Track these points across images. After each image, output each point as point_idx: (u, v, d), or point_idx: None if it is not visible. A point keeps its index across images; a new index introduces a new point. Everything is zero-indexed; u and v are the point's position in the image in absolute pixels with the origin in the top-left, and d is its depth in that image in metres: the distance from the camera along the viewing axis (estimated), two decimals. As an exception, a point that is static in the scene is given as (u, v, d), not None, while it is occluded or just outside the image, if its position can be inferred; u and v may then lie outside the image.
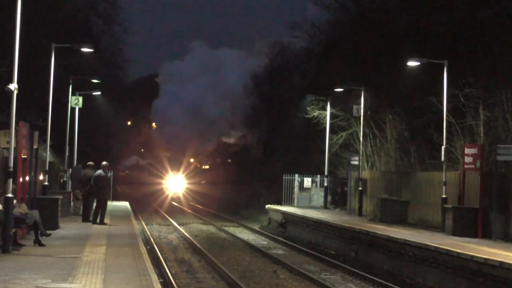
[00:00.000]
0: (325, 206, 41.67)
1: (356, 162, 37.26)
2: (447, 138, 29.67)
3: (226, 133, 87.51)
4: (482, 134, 29.80)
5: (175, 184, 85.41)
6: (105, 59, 53.26)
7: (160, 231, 37.45)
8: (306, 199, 43.76)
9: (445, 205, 27.13)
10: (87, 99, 41.94)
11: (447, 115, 29.49)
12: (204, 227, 40.81)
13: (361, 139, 38.54)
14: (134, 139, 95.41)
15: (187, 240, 32.86)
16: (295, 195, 44.02)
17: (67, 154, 38.07)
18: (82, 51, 32.93)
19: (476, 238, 24.69)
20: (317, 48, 55.25)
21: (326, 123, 41.93)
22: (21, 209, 19.31)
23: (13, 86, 17.73)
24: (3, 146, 20.00)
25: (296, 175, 44.12)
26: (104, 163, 28.17)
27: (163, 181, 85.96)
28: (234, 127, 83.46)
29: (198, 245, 29.56)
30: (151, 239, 31.40)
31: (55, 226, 24.40)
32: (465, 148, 26.54)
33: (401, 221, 30.80)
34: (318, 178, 44.03)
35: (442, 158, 28.94)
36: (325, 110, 42.05)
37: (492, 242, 23.55)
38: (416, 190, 31.96)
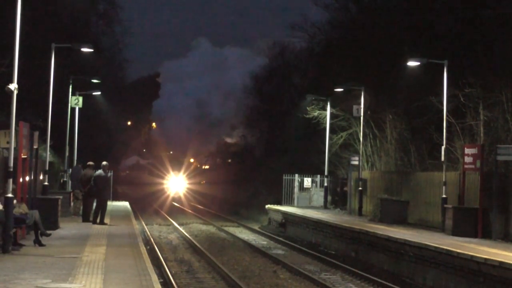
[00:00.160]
0: (325, 206, 41.67)
1: (356, 162, 37.25)
2: (447, 138, 29.66)
3: (227, 133, 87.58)
4: (482, 134, 29.80)
5: (176, 184, 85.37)
6: (105, 59, 53.32)
7: (160, 231, 37.45)
8: (306, 199, 43.76)
9: (445, 205, 27.12)
10: (87, 99, 41.94)
11: (447, 115, 29.49)
12: (204, 227, 40.81)
13: (361, 139, 38.54)
14: (134, 139, 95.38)
15: (187, 240, 32.86)
16: (295, 195, 44.02)
17: (67, 154, 38.08)
18: (82, 51, 32.92)
19: (476, 238, 24.69)
20: (317, 48, 55.26)
21: (326, 123, 41.93)
22: (21, 209, 19.31)
23: (13, 86, 17.73)
24: (3, 146, 20.02)
25: (296, 175, 44.11)
26: (104, 163, 28.17)
27: (164, 181, 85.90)
28: (235, 127, 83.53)
29: (198, 245, 29.56)
30: (151, 239, 31.40)
31: (55, 226, 24.39)
32: (465, 148, 26.54)
33: (401, 221, 30.80)
34: (318, 178, 44.02)
35: (442, 158, 28.94)
36: (325, 110, 42.06)
37: (492, 242, 23.55)
38: (416, 190, 31.95)
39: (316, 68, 54.13)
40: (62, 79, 36.32)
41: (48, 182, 29.78)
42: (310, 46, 57.28)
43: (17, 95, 17.89)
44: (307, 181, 43.97)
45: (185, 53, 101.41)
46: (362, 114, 37.27)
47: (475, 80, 29.18)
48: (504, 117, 28.74)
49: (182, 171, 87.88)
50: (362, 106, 37.01)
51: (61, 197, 26.78)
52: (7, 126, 18.45)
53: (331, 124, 41.82)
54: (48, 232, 20.09)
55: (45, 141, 30.71)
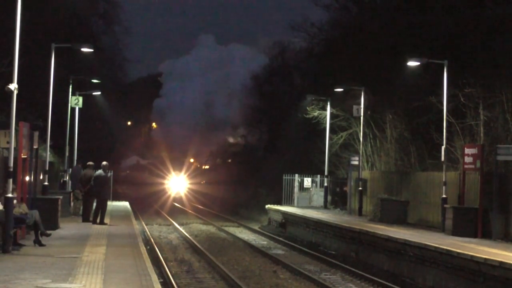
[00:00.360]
0: (325, 206, 41.68)
1: (356, 162, 37.26)
2: (447, 138, 29.66)
3: (229, 133, 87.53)
4: (482, 134, 29.80)
5: (177, 184, 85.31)
6: (105, 59, 53.28)
7: (160, 231, 37.45)
8: (306, 199, 43.75)
9: (445, 205, 27.13)
10: (87, 99, 41.93)
11: (447, 115, 29.48)
12: (204, 227, 40.82)
13: (361, 139, 38.55)
14: (134, 139, 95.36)
15: (187, 240, 32.86)
16: (295, 195, 44.01)
17: (67, 154, 38.07)
18: (82, 51, 32.94)
19: (476, 238, 24.69)
20: (317, 48, 55.26)
21: (326, 123, 41.95)
22: (21, 209, 19.32)
23: (13, 86, 17.74)
24: (3, 146, 20.00)
25: (296, 175, 44.10)
26: (104, 163, 28.17)
27: (165, 181, 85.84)
28: (236, 127, 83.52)
29: (198, 245, 29.57)
30: (151, 239, 31.41)
31: (55, 226, 24.40)
32: (465, 148, 26.55)
33: (401, 221, 30.81)
34: (318, 178, 44.02)
35: (442, 158, 28.93)
36: (325, 110, 42.07)
37: (492, 242, 23.55)
38: (416, 190, 31.96)
39: (316, 68, 54.11)
40: (62, 79, 36.30)
41: (48, 182, 29.78)
42: (310, 46, 57.28)
43: (17, 95, 17.89)
44: (307, 181, 43.97)
45: (188, 51, 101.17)
46: (362, 114, 37.28)
47: (475, 80, 29.17)
48: (504, 117, 28.74)
49: (184, 171, 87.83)
50: (362, 106, 37.02)
51: (61, 197, 26.78)
52: (7, 126, 18.45)
53: (331, 124, 41.83)
54: (48, 232, 20.10)
55: (45, 141, 30.72)
